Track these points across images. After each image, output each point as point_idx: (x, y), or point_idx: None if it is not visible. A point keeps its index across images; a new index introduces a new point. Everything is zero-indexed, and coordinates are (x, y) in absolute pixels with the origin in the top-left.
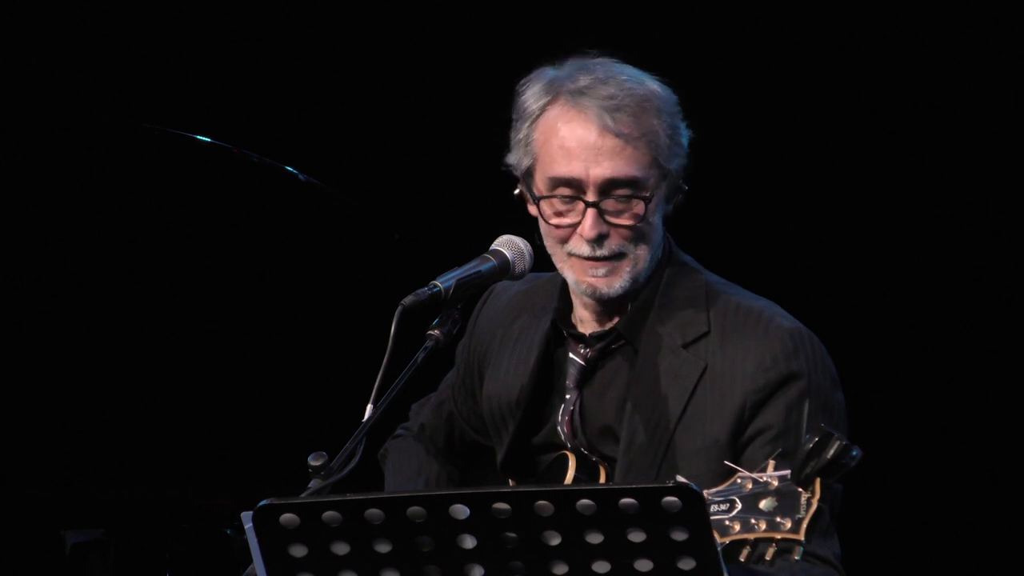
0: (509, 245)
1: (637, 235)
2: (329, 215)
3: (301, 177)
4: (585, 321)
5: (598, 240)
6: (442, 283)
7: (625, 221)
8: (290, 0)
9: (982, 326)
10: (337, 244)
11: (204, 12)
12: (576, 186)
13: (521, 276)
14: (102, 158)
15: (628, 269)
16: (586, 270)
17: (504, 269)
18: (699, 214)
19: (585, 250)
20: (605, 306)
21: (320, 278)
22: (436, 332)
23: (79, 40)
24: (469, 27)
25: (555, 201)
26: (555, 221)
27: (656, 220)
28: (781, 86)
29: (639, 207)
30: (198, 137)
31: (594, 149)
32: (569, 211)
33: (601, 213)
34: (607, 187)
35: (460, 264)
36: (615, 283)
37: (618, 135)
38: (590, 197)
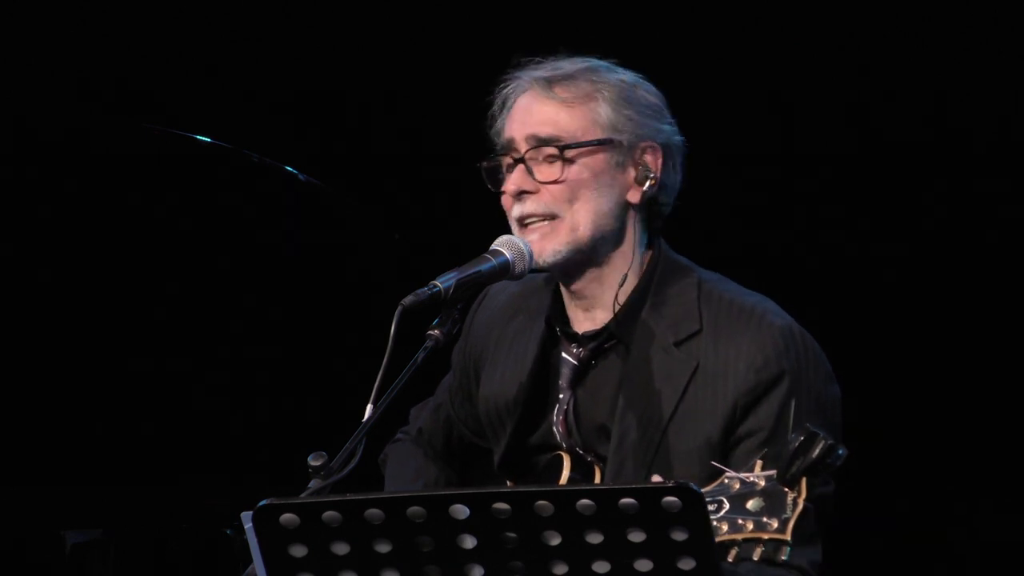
0: (509, 245)
1: (569, 196)
2: (329, 215)
3: (301, 177)
4: (577, 320)
5: (520, 196)
6: (442, 283)
7: (551, 177)
8: (290, 0)
9: (979, 323)
10: (337, 244)
11: (204, 12)
12: (512, 147)
13: (521, 276)
14: (103, 158)
15: (565, 233)
16: (525, 237)
17: (504, 269)
18: (694, 211)
19: (515, 210)
20: (588, 303)
21: (320, 278)
22: (436, 332)
23: (79, 40)
24: (469, 27)
25: (497, 167)
26: (499, 186)
27: (597, 187)
28: (775, 84)
29: (567, 164)
30: (198, 137)
31: (528, 111)
32: (508, 177)
33: (529, 171)
34: (536, 142)
35: (460, 264)
36: (548, 246)
37: (552, 99)
38: (517, 153)
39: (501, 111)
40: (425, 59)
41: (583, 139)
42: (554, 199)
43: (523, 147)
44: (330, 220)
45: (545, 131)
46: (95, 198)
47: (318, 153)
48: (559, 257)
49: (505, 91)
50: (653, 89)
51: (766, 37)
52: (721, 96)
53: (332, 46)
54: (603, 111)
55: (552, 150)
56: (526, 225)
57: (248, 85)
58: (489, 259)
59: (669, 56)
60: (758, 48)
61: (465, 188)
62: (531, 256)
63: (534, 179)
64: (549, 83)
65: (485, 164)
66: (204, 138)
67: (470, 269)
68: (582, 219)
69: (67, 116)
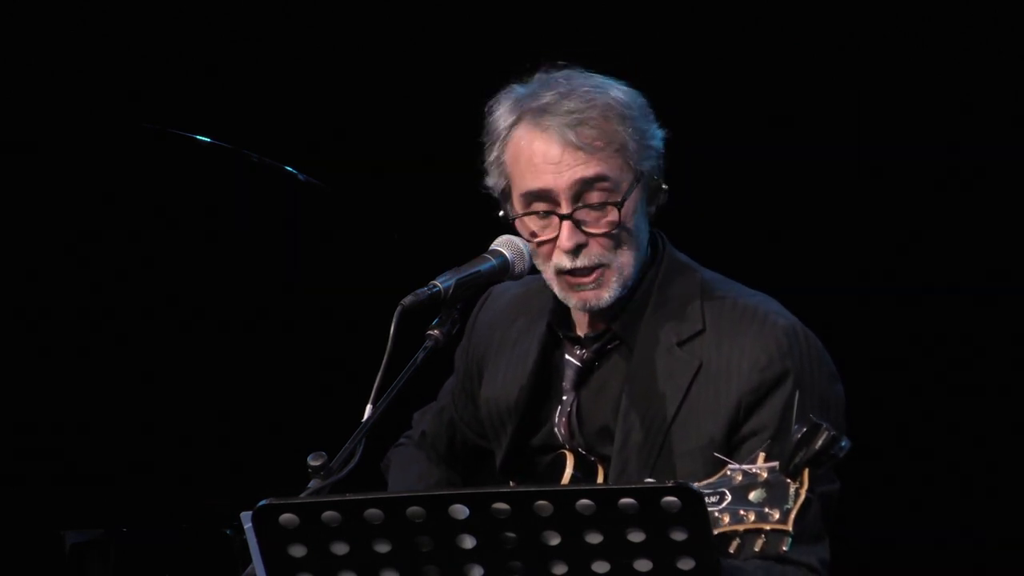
0: (509, 245)
1: (617, 242)
2: (329, 215)
3: (301, 177)
4: (580, 323)
5: (576, 251)
6: (442, 283)
7: (602, 229)
8: (290, 0)
9: (980, 324)
10: (337, 244)
11: (204, 12)
12: (549, 198)
13: (520, 276)
14: (102, 158)
15: (615, 278)
16: (573, 286)
17: (504, 269)
18: (695, 211)
19: (566, 263)
20: (598, 311)
21: (320, 278)
22: (436, 332)
23: (79, 40)
24: (469, 27)
25: (532, 219)
26: (535, 240)
27: (636, 223)
28: (774, 83)
29: (613, 213)
30: (198, 137)
31: (560, 163)
32: (546, 227)
33: (577, 224)
34: (578, 194)
35: (460, 264)
36: (604, 295)
37: (581, 148)
38: (564, 209)
39: (501, 142)
40: (425, 59)
41: (624, 183)
42: (604, 249)
43: (568, 198)
44: (330, 220)
45: (592, 173)
46: (95, 198)
47: (318, 153)
48: (613, 300)
49: (506, 124)
50: (635, 93)
51: (761, 34)
52: (720, 95)
53: (332, 46)
54: (631, 149)
55: (603, 200)
56: (575, 274)
57: (248, 85)
58: (489, 259)
59: (664, 53)
60: (752, 46)
61: (465, 188)
62: (531, 256)
63: (584, 232)
64: (572, 131)
65: (520, 216)
66: (204, 138)
67: (470, 269)
68: (627, 261)
69: (67, 116)
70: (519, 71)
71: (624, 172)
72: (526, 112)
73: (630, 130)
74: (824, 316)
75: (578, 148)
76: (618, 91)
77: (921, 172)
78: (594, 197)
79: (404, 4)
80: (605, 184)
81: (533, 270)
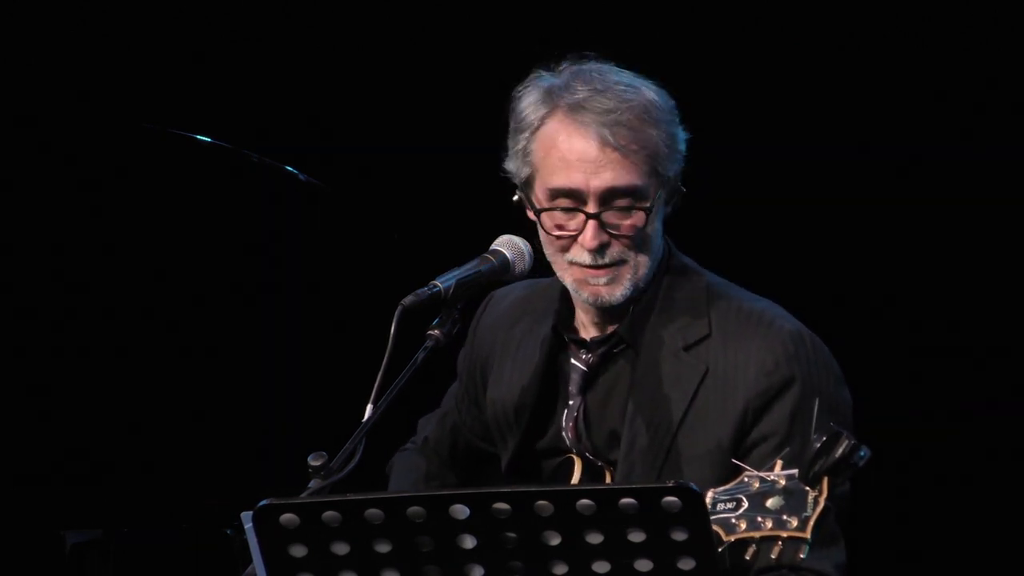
0: (509, 245)
1: (638, 243)
2: (329, 215)
3: (301, 177)
4: (586, 326)
5: (599, 250)
6: (442, 283)
7: (626, 231)
8: (290, 0)
9: (983, 326)
10: (337, 244)
11: (204, 12)
12: (577, 197)
13: (521, 276)
14: (103, 158)
15: (629, 276)
16: (587, 278)
17: (504, 269)
18: (700, 214)
19: (587, 259)
20: (606, 311)
21: (320, 278)
22: (436, 332)
23: (79, 40)
24: (469, 26)
25: (556, 213)
26: (556, 232)
27: (656, 227)
28: (774, 83)
29: (639, 217)
30: (198, 137)
31: (594, 162)
32: (570, 221)
33: (602, 224)
34: (607, 197)
35: (460, 264)
36: (616, 291)
37: (617, 148)
38: (591, 208)
39: (532, 133)
40: (426, 58)
41: (652, 188)
42: (625, 248)
43: (597, 201)
44: (330, 220)
45: (623, 183)
46: (96, 199)
47: (318, 152)
48: (624, 297)
49: (537, 116)
50: (666, 94)
51: (767, 36)
52: (720, 95)
53: (332, 46)
54: (661, 154)
55: (630, 204)
56: (589, 268)
57: (248, 84)
58: (489, 259)
59: (668, 54)
60: (758, 47)
61: (465, 188)
62: (531, 256)
63: (608, 232)
64: (609, 130)
65: (544, 210)
66: (204, 138)
67: (470, 269)
68: (643, 261)
69: (67, 116)
70: (518, 71)
71: (652, 178)
72: (560, 105)
73: (663, 135)
74: (826, 316)
75: (614, 148)
76: (651, 92)
77: (921, 172)
78: (623, 202)
79: (404, 3)
80: (635, 191)
81: (534, 270)
